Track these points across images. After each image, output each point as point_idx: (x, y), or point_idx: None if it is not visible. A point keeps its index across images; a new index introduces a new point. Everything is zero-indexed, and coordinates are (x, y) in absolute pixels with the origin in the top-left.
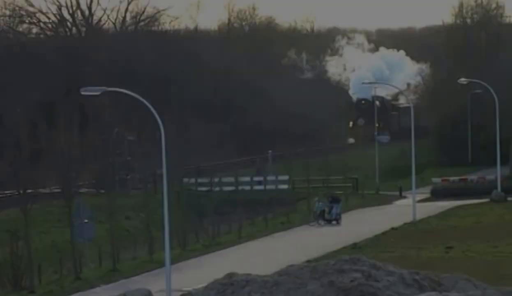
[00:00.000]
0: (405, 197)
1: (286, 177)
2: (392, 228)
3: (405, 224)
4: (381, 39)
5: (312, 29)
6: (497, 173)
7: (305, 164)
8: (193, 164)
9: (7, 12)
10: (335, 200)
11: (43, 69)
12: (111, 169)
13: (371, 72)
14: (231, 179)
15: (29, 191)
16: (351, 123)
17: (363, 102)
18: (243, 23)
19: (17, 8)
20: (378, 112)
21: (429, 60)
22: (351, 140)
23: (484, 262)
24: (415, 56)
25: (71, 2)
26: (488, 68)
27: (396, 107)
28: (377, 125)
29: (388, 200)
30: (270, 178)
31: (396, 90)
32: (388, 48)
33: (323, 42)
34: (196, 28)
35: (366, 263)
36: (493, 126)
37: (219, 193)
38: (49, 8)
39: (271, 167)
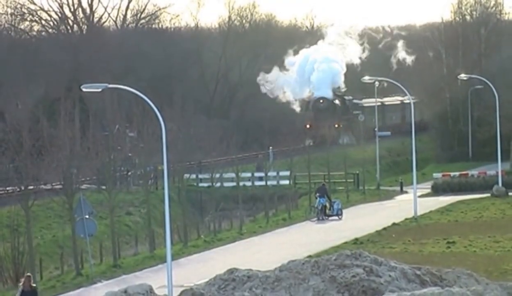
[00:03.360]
0: (406, 192)
1: (287, 173)
2: (394, 223)
3: (406, 219)
4: (381, 35)
5: (312, 26)
6: (498, 168)
7: (307, 160)
8: (194, 160)
9: (9, 10)
10: (321, 190)
11: (45, 66)
12: (112, 165)
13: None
14: (232, 175)
15: (31, 187)
16: (308, 124)
17: (321, 101)
18: (244, 21)
19: (19, 6)
20: (338, 112)
21: (429, 56)
22: (309, 142)
23: (486, 256)
24: (415, 52)
25: (72, 0)
26: (488, 64)
27: (360, 106)
28: (337, 125)
29: (389, 195)
30: (272, 174)
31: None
32: (387, 44)
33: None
34: (196, 26)
35: (367, 258)
36: (494, 122)
37: (220, 189)
38: (50, 6)
39: (273, 163)
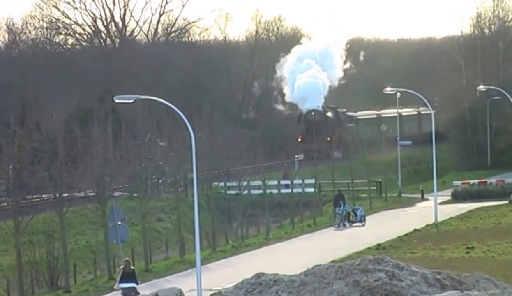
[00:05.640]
0: (427, 200)
1: (312, 181)
2: (415, 230)
3: (427, 225)
4: (402, 48)
5: None
6: None
7: (331, 168)
8: (223, 168)
9: (45, 24)
10: (340, 197)
11: (79, 78)
12: (143, 174)
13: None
14: (259, 183)
15: (65, 194)
16: (299, 138)
17: (313, 113)
18: (270, 34)
19: (54, 20)
20: (331, 124)
21: (449, 68)
22: (300, 156)
23: (504, 261)
24: (435, 64)
25: (105, 15)
26: (506, 76)
27: (354, 118)
28: (329, 139)
29: (411, 203)
30: (297, 181)
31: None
32: (409, 57)
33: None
34: (225, 39)
35: (389, 263)
36: (511, 131)
37: (247, 196)
38: (84, 20)
39: (298, 171)
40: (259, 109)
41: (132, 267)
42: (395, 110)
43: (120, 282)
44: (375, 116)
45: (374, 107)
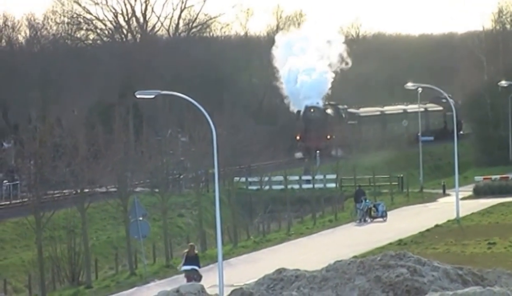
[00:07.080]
0: (448, 195)
1: (333, 176)
2: (436, 225)
3: (448, 221)
4: (423, 44)
5: (358, 35)
6: None
7: (352, 164)
8: (244, 163)
9: (66, 20)
10: (361, 192)
11: (100, 73)
12: (164, 169)
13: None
14: (280, 178)
15: (86, 190)
16: (298, 136)
17: (312, 110)
18: (291, 29)
19: (75, 15)
20: (330, 122)
21: (470, 63)
22: (298, 155)
23: None
24: (456, 60)
25: (126, 10)
26: None
27: (356, 115)
28: (329, 137)
29: (432, 198)
30: (318, 177)
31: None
32: (431, 52)
33: (368, 47)
34: (246, 34)
35: (411, 259)
36: None
37: (268, 192)
38: (105, 15)
39: (319, 167)
40: (279, 104)
41: (196, 252)
42: (399, 107)
43: (184, 264)
44: (378, 113)
45: (380, 104)
